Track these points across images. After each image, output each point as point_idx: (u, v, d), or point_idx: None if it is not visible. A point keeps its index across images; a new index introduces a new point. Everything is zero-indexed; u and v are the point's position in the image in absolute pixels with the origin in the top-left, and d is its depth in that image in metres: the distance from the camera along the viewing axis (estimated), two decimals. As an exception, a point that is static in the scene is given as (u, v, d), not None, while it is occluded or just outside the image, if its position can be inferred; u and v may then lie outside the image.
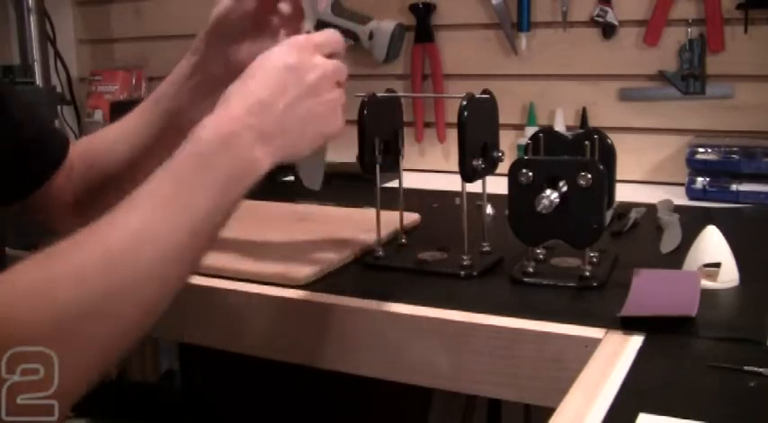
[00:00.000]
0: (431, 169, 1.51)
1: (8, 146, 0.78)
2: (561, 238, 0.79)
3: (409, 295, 0.79)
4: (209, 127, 0.61)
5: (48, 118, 0.89)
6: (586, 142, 0.81)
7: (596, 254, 0.85)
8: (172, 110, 0.82)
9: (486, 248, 0.89)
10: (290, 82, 0.64)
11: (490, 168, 0.85)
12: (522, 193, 0.78)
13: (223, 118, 0.62)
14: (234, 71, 0.69)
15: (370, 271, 0.89)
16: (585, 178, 0.75)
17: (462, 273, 0.84)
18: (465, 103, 0.80)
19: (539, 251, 0.87)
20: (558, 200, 0.75)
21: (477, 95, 0.83)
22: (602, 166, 0.76)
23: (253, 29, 0.79)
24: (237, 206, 0.61)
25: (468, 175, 0.82)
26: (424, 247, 0.92)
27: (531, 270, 0.81)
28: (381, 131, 0.87)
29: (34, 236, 0.89)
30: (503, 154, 0.86)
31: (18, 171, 0.80)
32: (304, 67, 0.65)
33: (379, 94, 0.88)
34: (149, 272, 0.56)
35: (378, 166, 0.87)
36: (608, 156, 0.82)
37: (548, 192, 0.75)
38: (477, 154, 0.82)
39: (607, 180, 0.77)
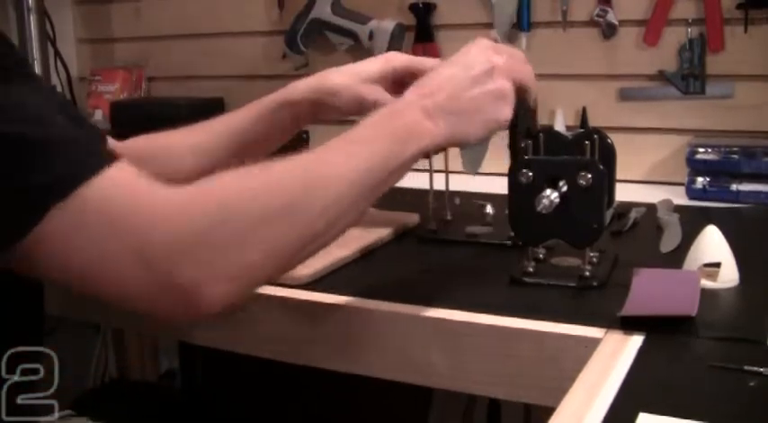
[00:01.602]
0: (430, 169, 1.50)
1: None
2: (561, 237, 0.79)
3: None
4: (387, 107, 0.72)
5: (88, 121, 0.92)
6: (586, 142, 0.81)
7: (596, 254, 0.85)
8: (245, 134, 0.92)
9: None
10: (459, 73, 0.72)
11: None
12: (522, 193, 0.78)
13: (398, 100, 0.73)
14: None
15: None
16: (585, 178, 0.75)
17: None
18: None
19: (538, 251, 0.87)
20: (558, 200, 0.75)
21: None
22: (602, 166, 0.76)
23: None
24: (413, 161, 0.69)
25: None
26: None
27: (530, 270, 0.81)
28: None
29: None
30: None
31: None
32: (477, 60, 0.73)
33: None
34: (337, 185, 0.64)
35: None
36: (608, 156, 0.82)
37: (548, 192, 0.75)
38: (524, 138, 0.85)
39: (607, 180, 0.77)
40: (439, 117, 0.70)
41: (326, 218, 0.63)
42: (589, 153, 0.80)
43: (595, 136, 0.82)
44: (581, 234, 0.78)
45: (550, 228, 0.78)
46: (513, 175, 0.79)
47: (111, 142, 0.91)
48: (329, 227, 0.63)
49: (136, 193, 0.56)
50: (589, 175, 0.75)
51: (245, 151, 0.91)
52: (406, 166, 0.69)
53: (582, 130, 0.85)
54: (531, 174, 0.77)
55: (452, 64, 0.74)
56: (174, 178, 0.88)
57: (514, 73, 0.75)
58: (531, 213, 0.76)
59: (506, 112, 0.73)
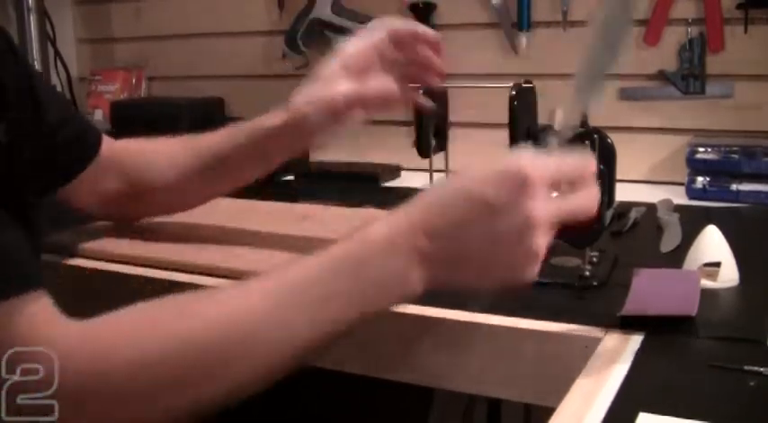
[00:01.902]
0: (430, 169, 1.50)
1: (41, 149, 0.78)
2: (561, 237, 0.79)
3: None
4: (379, 227, 0.57)
5: (82, 116, 0.95)
6: (586, 142, 0.81)
7: (596, 253, 0.85)
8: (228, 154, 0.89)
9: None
10: (481, 221, 0.55)
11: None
12: None
13: (395, 224, 0.57)
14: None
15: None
16: None
17: None
18: (514, 92, 0.86)
19: None
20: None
21: (523, 84, 0.90)
22: (602, 166, 0.76)
23: (382, 68, 0.84)
24: (371, 317, 0.58)
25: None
26: None
27: None
28: (434, 118, 0.92)
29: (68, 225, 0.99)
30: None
31: (47, 170, 0.82)
32: (505, 209, 0.55)
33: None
34: (266, 359, 0.56)
35: (432, 149, 0.99)
36: (608, 155, 0.82)
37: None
38: (523, 138, 0.86)
39: (607, 180, 0.77)
40: (436, 266, 0.57)
41: (237, 388, 0.56)
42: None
43: (595, 136, 0.82)
44: (581, 234, 0.78)
45: None
46: None
47: (107, 140, 0.93)
48: (239, 391, 0.57)
49: (37, 328, 0.54)
50: None
51: (218, 174, 0.91)
52: (360, 323, 0.58)
53: (582, 130, 0.85)
54: None
55: (473, 200, 0.56)
56: (151, 187, 0.92)
57: (563, 215, 0.58)
58: None
59: (531, 273, 0.57)
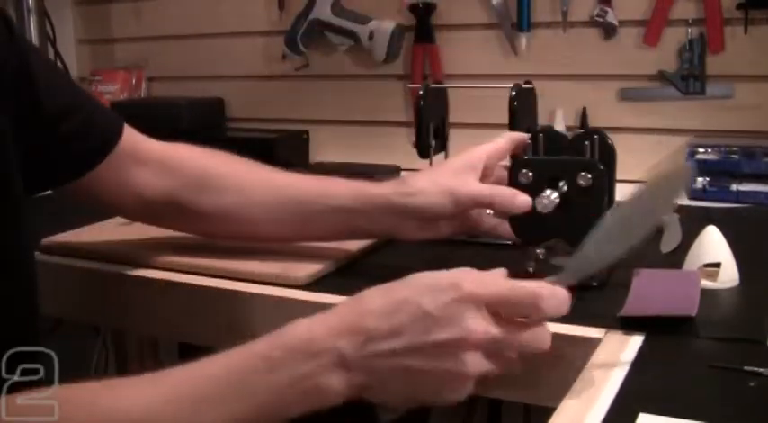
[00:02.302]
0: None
1: (37, 140, 0.73)
2: (561, 237, 0.79)
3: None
4: (301, 326, 0.54)
5: (96, 106, 0.84)
6: (586, 143, 0.81)
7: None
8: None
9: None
10: (412, 328, 0.52)
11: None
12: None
13: (319, 324, 0.54)
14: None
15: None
16: (586, 178, 0.75)
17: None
18: (514, 93, 0.85)
19: (539, 251, 0.87)
20: (557, 200, 0.75)
21: (523, 85, 0.89)
22: (602, 167, 0.76)
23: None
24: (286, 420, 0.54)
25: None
26: None
27: (530, 270, 0.81)
28: (434, 119, 0.92)
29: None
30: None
31: (43, 164, 0.76)
32: (440, 320, 0.52)
33: (432, 85, 0.91)
34: None
35: (431, 149, 0.97)
36: (608, 156, 0.82)
37: (547, 192, 0.75)
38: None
39: (607, 180, 0.77)
40: (359, 372, 0.52)
41: None
42: (589, 153, 0.81)
43: (595, 136, 0.82)
44: (581, 234, 0.77)
45: (550, 228, 0.78)
46: (512, 174, 0.78)
47: (141, 137, 0.86)
48: None
49: None
50: (589, 176, 0.75)
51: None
52: None
53: (582, 131, 0.85)
54: (530, 174, 0.77)
55: (411, 307, 0.52)
56: (223, 211, 0.83)
57: (507, 345, 0.54)
58: (530, 213, 0.76)
59: (459, 395, 0.54)
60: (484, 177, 0.79)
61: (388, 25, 1.48)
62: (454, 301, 0.52)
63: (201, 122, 1.59)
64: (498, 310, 0.54)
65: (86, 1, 1.86)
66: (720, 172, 1.19)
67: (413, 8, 1.48)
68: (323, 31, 1.54)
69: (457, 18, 1.47)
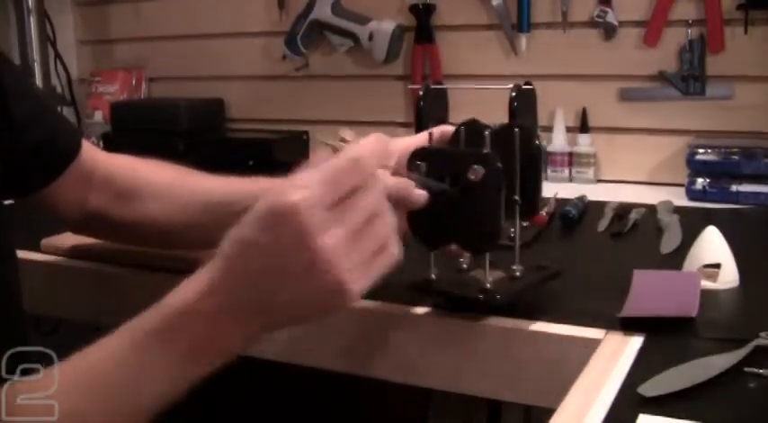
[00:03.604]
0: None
1: (10, 148, 0.73)
2: (458, 241, 0.71)
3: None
4: (178, 293, 0.54)
5: (59, 119, 0.84)
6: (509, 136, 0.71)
7: (520, 267, 0.73)
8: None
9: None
10: (262, 265, 0.52)
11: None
12: (417, 187, 0.66)
13: (195, 289, 0.54)
14: None
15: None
16: (476, 172, 0.65)
17: None
18: (514, 93, 0.76)
19: (462, 260, 0.76)
20: (440, 190, 0.66)
21: (523, 86, 0.80)
22: (499, 162, 0.66)
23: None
24: (197, 380, 0.55)
25: None
26: None
27: (432, 277, 0.74)
28: (434, 119, 0.90)
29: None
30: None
31: (16, 173, 0.75)
32: (282, 248, 0.51)
33: (432, 86, 0.88)
34: None
35: None
36: (531, 154, 0.72)
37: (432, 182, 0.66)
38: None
39: (502, 177, 0.66)
40: (250, 317, 0.54)
41: None
42: (518, 150, 0.71)
43: (516, 130, 0.71)
44: (475, 238, 0.68)
45: (448, 229, 0.69)
46: (408, 165, 0.69)
47: (89, 147, 0.85)
48: None
49: None
50: (481, 170, 0.66)
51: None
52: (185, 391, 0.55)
53: (505, 123, 0.75)
54: (424, 164, 0.68)
55: (246, 245, 0.52)
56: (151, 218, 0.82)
57: (359, 225, 0.52)
58: (427, 211, 0.65)
59: (348, 298, 0.52)
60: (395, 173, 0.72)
61: (388, 26, 1.49)
62: (285, 227, 0.50)
63: (201, 123, 1.59)
64: (333, 196, 0.52)
65: (86, 2, 1.87)
66: (720, 173, 1.19)
67: (413, 9, 1.48)
68: (323, 32, 1.54)
69: (457, 18, 1.47)
